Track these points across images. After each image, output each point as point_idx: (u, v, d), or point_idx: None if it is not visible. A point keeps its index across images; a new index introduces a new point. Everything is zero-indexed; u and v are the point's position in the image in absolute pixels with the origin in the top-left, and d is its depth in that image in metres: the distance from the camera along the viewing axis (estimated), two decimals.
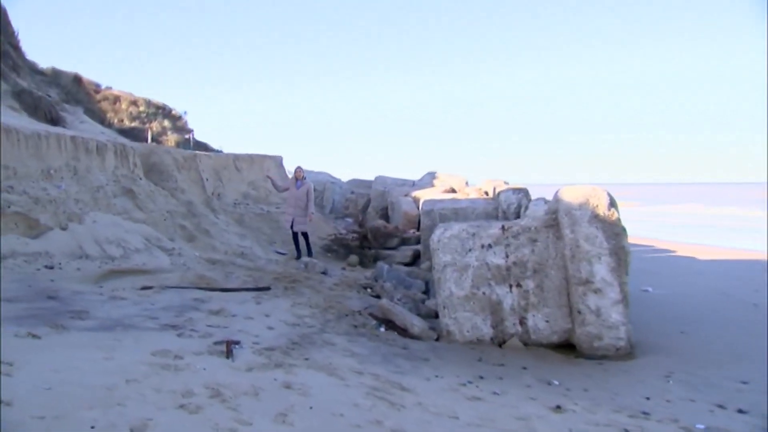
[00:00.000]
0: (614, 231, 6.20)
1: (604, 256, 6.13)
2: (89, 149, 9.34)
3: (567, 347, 6.29)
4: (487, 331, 6.39)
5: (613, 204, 6.32)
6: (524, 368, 5.56)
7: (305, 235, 10.68)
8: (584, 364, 5.84)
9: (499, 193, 10.15)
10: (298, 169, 10.91)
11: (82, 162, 9.05)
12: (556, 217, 6.40)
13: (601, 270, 6.11)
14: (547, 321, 6.31)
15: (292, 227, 10.62)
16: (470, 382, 4.87)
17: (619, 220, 6.26)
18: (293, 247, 10.81)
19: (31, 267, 6.61)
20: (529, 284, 6.36)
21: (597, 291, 6.09)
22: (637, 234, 18.73)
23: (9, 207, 7.12)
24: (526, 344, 6.31)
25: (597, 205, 6.25)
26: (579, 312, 6.14)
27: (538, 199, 8.04)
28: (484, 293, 6.43)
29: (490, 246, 6.49)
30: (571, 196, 6.37)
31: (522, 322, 6.34)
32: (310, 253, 10.63)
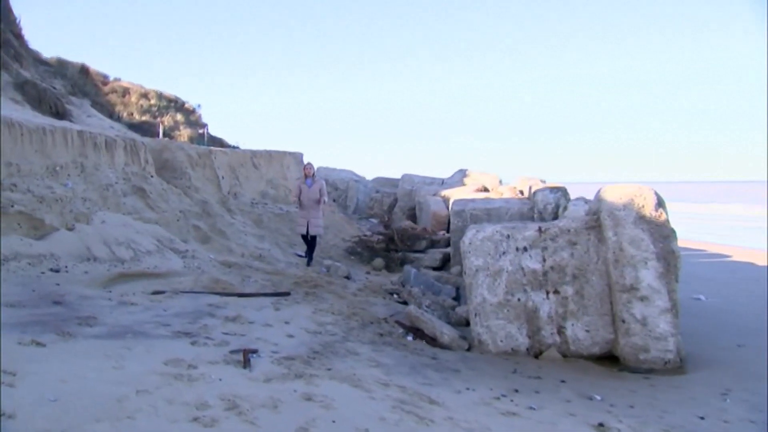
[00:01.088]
0: (662, 233, 6.08)
1: (650, 260, 6.01)
2: (97, 145, 9.41)
3: (609, 359, 6.18)
4: (522, 340, 6.32)
5: (660, 204, 6.20)
6: (563, 381, 5.48)
7: (314, 239, 10.48)
8: (629, 379, 5.72)
9: (535, 193, 10.06)
10: (308, 165, 10.63)
11: (89, 158, 9.13)
12: (597, 218, 6.31)
13: (648, 276, 5.99)
14: (587, 330, 6.21)
15: (307, 233, 10.33)
16: (504, 396, 4.81)
17: (667, 221, 6.13)
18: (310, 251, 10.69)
19: (36, 270, 6.66)
20: (568, 291, 6.28)
21: (643, 298, 5.98)
22: (687, 237, 18.35)
23: (12, 206, 7.16)
24: (564, 355, 6.22)
25: (643, 205, 6.14)
26: (623, 321, 6.03)
27: (577, 199, 7.93)
28: (519, 300, 6.37)
29: (525, 249, 6.43)
30: (614, 195, 6.26)
31: (560, 331, 6.26)
32: (311, 257, 10.47)
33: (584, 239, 6.32)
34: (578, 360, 6.17)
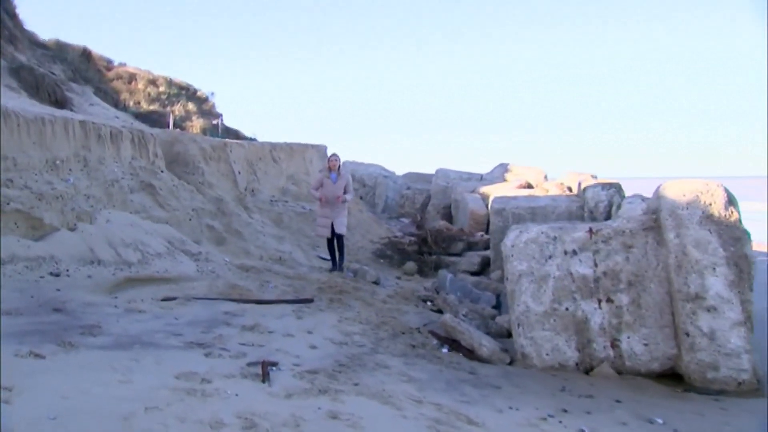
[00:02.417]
0: (733, 235, 5.91)
1: (719, 266, 5.85)
2: (101, 136, 9.48)
3: (672, 377, 6.03)
4: (570, 354, 6.23)
5: (731, 201, 6.03)
6: (618, 401, 5.37)
7: (340, 238, 10.21)
8: (695, 400, 5.57)
9: (585, 189, 9.95)
10: (333, 157, 10.29)
11: (93, 151, 9.20)
12: (657, 217, 6.18)
13: (716, 283, 5.83)
14: (645, 344, 6.08)
15: (332, 233, 10.03)
16: (552, 416, 4.74)
17: (739, 221, 5.96)
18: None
19: (34, 274, 6.75)
20: (623, 299, 6.17)
21: (710, 309, 5.82)
22: (759, 239, 17.85)
23: (8, 204, 7.20)
24: (619, 372, 6.10)
25: (710, 203, 5.98)
26: (687, 335, 5.89)
27: (633, 196, 7.78)
28: (567, 309, 6.28)
29: (574, 252, 6.34)
30: (676, 192, 6.12)
31: (614, 344, 6.15)
32: (342, 262, 10.21)
33: (641, 242, 6.20)
34: (635, 377, 6.03)
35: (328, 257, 10.58)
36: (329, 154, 17.44)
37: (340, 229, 10.04)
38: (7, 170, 7.56)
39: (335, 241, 10.19)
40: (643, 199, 7.29)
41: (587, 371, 6.17)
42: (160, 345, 5.09)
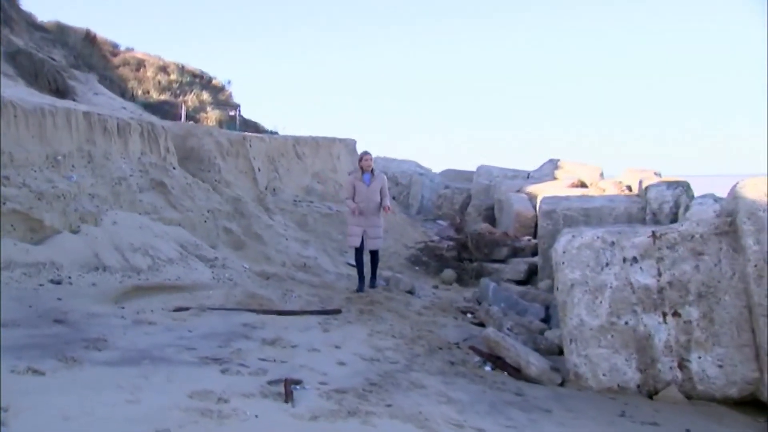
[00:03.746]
0: None
1: None
2: (107, 129, 9.56)
3: (752, 405, 5.89)
4: (631, 375, 6.14)
5: None
6: (688, 431, 5.26)
7: (375, 254, 9.59)
8: None
9: (647, 188, 9.85)
10: (366, 155, 9.67)
11: (98, 146, 9.28)
12: (733, 220, 6.06)
13: None
14: (720, 366, 5.94)
15: (361, 246, 9.39)
16: None
17: None
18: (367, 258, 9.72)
19: (33, 281, 6.80)
20: (693, 313, 6.05)
21: None
22: None
23: (5, 204, 7.24)
24: (689, 397, 5.99)
25: None
26: None
27: (704, 196, 7.64)
28: (626, 323, 6.20)
29: (635, 259, 6.25)
30: (757, 191, 5.98)
31: (682, 365, 6.03)
32: (374, 280, 9.58)
33: (714, 248, 6.07)
34: (708, 404, 5.90)
35: (355, 264, 9.98)
36: (358, 149, 17.46)
37: (373, 244, 9.43)
38: (4, 166, 7.58)
39: (366, 255, 9.55)
40: (716, 199, 7.16)
41: (651, 395, 6.07)
42: (171, 360, 5.12)
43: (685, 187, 9.32)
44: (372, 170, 9.49)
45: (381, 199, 9.37)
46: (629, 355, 6.17)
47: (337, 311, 7.74)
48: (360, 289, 9.30)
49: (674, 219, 8.51)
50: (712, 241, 6.10)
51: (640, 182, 11.12)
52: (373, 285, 9.49)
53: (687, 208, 7.74)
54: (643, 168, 13.50)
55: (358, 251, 9.46)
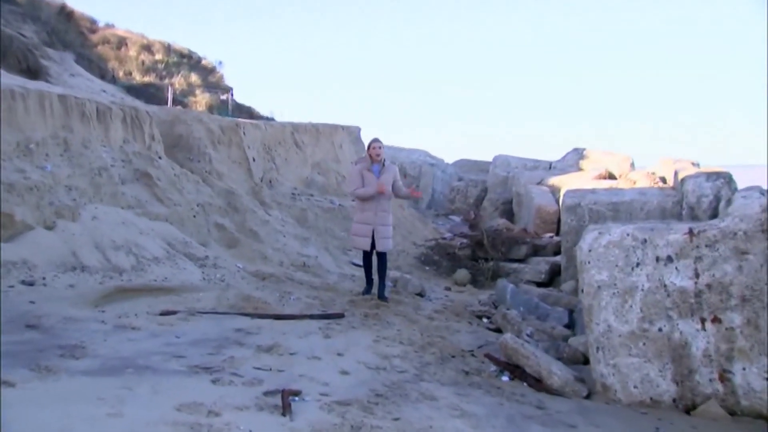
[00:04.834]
0: None
1: None
2: (86, 114, 9.56)
3: None
4: (666, 387, 6.10)
5: None
6: None
7: (384, 257, 9.24)
8: None
9: (683, 180, 9.85)
10: (375, 144, 9.22)
11: (75, 133, 9.28)
12: None
13: None
14: (767, 378, 5.90)
15: (372, 246, 9.05)
16: None
17: None
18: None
19: (3, 283, 6.80)
20: (735, 319, 5.99)
21: None
22: None
23: None
24: (731, 413, 5.93)
25: None
26: None
27: (749, 189, 7.61)
28: (660, 330, 6.16)
29: (670, 259, 6.21)
30: None
31: (724, 377, 5.98)
32: (383, 289, 9.22)
33: (759, 246, 6.00)
34: (753, 421, 5.84)
35: (360, 264, 9.90)
36: (363, 137, 17.43)
37: (383, 245, 9.08)
38: None
39: (374, 257, 9.25)
40: (763, 192, 7.13)
41: (688, 410, 6.02)
42: (157, 369, 5.12)
43: (726, 178, 9.28)
44: (383, 161, 9.19)
45: (392, 191, 9.11)
46: (663, 366, 6.13)
47: (340, 315, 7.75)
48: (367, 292, 9.14)
49: (714, 214, 8.46)
50: (757, 239, 6.04)
51: (676, 173, 11.08)
52: (382, 295, 9.09)
53: (729, 203, 7.71)
54: (678, 158, 13.44)
55: (367, 253, 9.21)
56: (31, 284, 6.92)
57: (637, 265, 6.29)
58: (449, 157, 21.84)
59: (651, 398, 6.10)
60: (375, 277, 9.23)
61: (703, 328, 6.07)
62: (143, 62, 20.74)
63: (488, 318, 8.75)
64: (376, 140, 9.27)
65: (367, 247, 9.05)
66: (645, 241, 6.31)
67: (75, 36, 18.88)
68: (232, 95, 21.19)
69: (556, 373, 6.38)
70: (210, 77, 22.71)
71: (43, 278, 7.11)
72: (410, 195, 9.58)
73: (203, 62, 23.60)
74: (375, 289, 9.13)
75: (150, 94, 17.40)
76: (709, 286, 6.09)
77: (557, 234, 12.87)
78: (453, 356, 6.75)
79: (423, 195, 19.16)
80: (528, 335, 7.74)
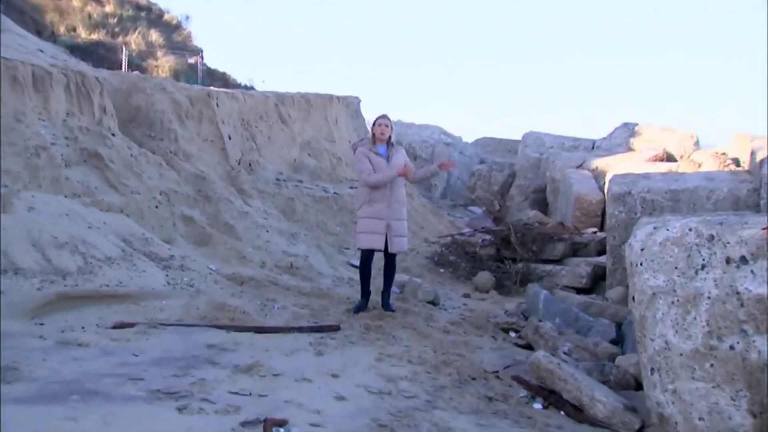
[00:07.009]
0: None
1: None
2: (19, 80, 9.54)
3: None
4: (740, 420, 6.01)
5: None
6: None
7: (394, 259, 9.17)
8: None
9: (761, 163, 9.83)
10: (383, 120, 9.09)
11: (6, 103, 9.26)
12: None
13: None
14: None
15: (386, 248, 8.84)
16: None
17: None
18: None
19: None
20: None
21: None
22: None
23: None
24: None
25: None
26: None
27: None
28: (732, 348, 6.08)
29: (744, 260, 6.13)
30: None
31: None
32: (388, 297, 9.16)
33: None
34: None
35: (359, 268, 9.39)
36: (364, 112, 17.35)
37: (399, 246, 8.98)
38: None
39: (378, 259, 9.13)
40: None
41: None
42: (110, 395, 5.11)
43: None
44: (390, 140, 9.11)
45: (404, 179, 9.00)
46: (736, 393, 6.06)
47: (335, 328, 7.76)
48: (361, 307, 8.91)
49: None
50: None
51: (752, 153, 11.06)
52: (387, 304, 9.05)
53: None
54: (755, 134, 13.36)
55: (369, 254, 9.00)
56: None
57: (703, 267, 6.22)
58: (469, 135, 21.83)
59: None
60: (372, 288, 9.09)
61: None
62: (90, 16, 20.66)
63: (516, 332, 8.77)
64: (384, 116, 9.16)
65: (381, 246, 8.81)
66: (712, 237, 6.24)
67: None
68: (202, 58, 21.21)
69: (601, 400, 6.37)
70: (175, 35, 22.70)
71: None
72: (437, 171, 9.28)
73: (166, 16, 23.59)
74: (371, 302, 8.97)
75: (99, 55, 17.39)
76: None
77: (601, 229, 12.85)
78: (473, 378, 6.73)
79: (437, 182, 19.16)
80: (565, 353, 7.72)
